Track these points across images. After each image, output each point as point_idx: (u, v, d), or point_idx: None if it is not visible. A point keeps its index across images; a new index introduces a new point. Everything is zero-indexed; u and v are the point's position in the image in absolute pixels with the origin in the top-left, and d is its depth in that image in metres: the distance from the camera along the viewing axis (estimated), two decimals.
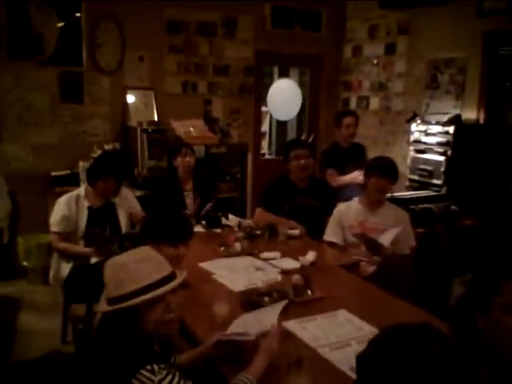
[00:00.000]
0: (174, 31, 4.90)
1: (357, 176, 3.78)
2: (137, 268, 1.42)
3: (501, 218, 3.77)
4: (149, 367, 1.30)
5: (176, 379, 1.32)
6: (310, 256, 2.38)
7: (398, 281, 2.83)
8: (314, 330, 1.94)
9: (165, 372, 1.31)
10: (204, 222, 3.41)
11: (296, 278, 2.29)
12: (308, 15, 5.62)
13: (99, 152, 4.28)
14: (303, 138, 6.09)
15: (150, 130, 4.43)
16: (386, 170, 3.02)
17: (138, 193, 4.04)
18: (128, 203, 3.34)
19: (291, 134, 6.66)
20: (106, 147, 4.48)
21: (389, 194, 3.65)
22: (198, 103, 5.10)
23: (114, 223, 3.18)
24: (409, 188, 4.35)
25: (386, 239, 2.83)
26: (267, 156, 6.42)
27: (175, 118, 4.78)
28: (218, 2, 5.00)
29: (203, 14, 5.00)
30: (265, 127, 6.50)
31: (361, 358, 0.95)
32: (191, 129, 4.72)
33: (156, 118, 4.75)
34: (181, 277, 1.51)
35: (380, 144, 5.30)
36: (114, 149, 4.47)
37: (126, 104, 4.71)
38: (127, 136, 4.64)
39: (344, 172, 4.07)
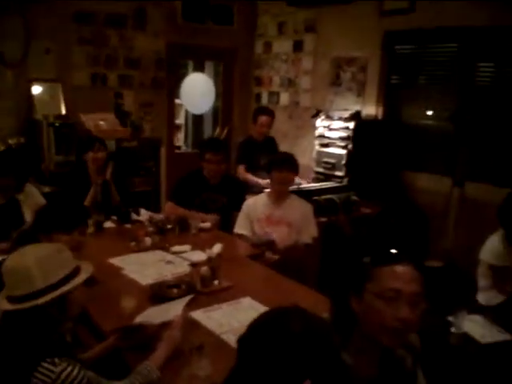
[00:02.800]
0: (83, 22, 4.79)
1: (264, 183, 3.97)
2: (40, 266, 1.46)
3: (394, 206, 4.13)
4: (49, 360, 1.36)
5: (76, 370, 1.39)
6: (217, 248, 2.50)
7: (301, 268, 3.05)
8: (218, 318, 2.07)
9: (65, 364, 1.38)
10: (115, 218, 3.42)
11: (203, 269, 2.40)
12: (220, 9, 5.70)
13: (3, 148, 4.11)
14: (217, 131, 6.21)
15: (57, 124, 4.32)
16: (284, 163, 3.23)
17: (46, 189, 3.95)
18: (33, 200, 3.26)
19: (207, 127, 6.75)
20: (11, 142, 4.30)
21: (295, 186, 3.89)
22: (108, 96, 5.03)
23: (19, 221, 3.10)
24: (315, 180, 4.62)
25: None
26: (183, 149, 6.46)
27: (85, 111, 4.68)
28: None
29: (112, 5, 4.92)
30: (180, 120, 6.53)
31: (239, 340, 1.07)
32: (101, 122, 4.65)
33: (64, 112, 4.63)
34: (87, 271, 1.58)
35: (290, 138, 5.52)
36: (19, 143, 4.30)
37: (30, 97, 4.54)
38: (33, 130, 4.48)
39: (258, 164, 4.29)
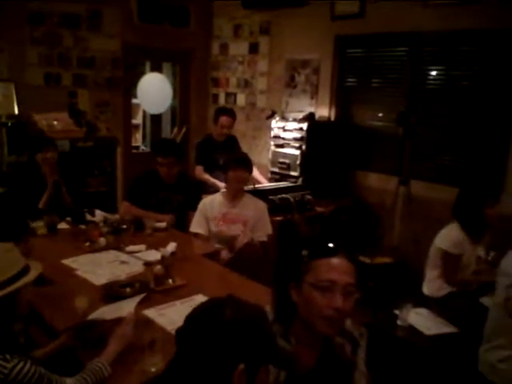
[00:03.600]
0: (36, 23, 4.72)
1: (222, 186, 4.04)
2: None
3: (346, 204, 4.28)
4: (1, 356, 1.38)
5: (28, 365, 1.41)
6: (170, 247, 2.54)
7: (255, 264, 3.13)
8: (171, 315, 2.11)
9: (16, 359, 1.40)
10: (69, 219, 3.40)
11: (157, 268, 2.45)
12: (176, 10, 5.72)
13: None
14: (175, 131, 6.22)
15: (9, 124, 4.24)
16: (239, 162, 3.33)
17: None
18: None
19: (166, 127, 6.72)
20: None
21: (251, 186, 3.98)
22: (62, 96, 4.96)
23: None
24: (270, 180, 4.71)
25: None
26: (142, 149, 6.43)
27: (38, 111, 4.61)
28: None
29: (67, 6, 4.87)
30: (138, 120, 6.50)
31: (177, 332, 1.12)
32: (55, 122, 4.59)
33: (17, 111, 4.55)
34: (36, 269, 1.60)
35: (247, 138, 5.60)
36: None
37: None
38: None
39: (217, 164, 4.29)
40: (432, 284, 3.02)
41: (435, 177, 4.05)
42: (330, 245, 1.45)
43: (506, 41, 3.74)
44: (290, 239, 3.72)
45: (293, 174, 4.55)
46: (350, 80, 4.85)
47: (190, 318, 1.11)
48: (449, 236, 2.91)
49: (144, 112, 6.46)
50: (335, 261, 1.41)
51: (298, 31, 5.06)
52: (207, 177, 4.44)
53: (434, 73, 4.26)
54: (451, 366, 2.53)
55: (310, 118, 4.61)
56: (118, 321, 1.86)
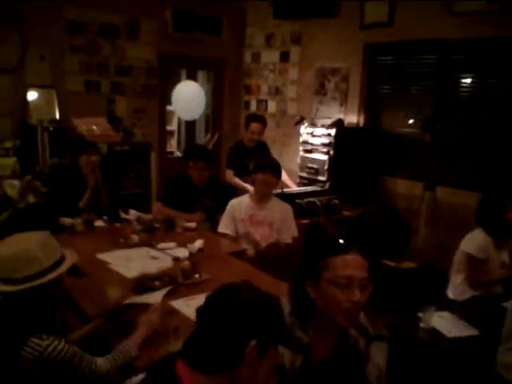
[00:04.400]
0: (76, 31, 4.99)
1: (251, 189, 4.18)
2: (43, 248, 1.63)
3: (373, 208, 4.32)
4: (37, 335, 1.53)
5: (62, 343, 1.55)
6: (198, 244, 2.67)
7: (280, 264, 3.22)
8: (196, 306, 2.22)
9: (52, 338, 1.55)
10: (105, 218, 3.58)
11: (185, 263, 2.58)
12: (209, 20, 5.91)
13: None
14: (208, 137, 6.40)
15: (50, 128, 4.50)
16: (268, 167, 3.44)
17: (43, 189, 4.10)
18: None
19: (200, 133, 6.93)
20: (7, 145, 4.48)
21: (279, 190, 4.09)
22: (100, 102, 5.21)
23: None
24: (299, 184, 4.81)
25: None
26: (176, 154, 6.63)
27: (78, 116, 4.86)
28: (120, 4, 5.15)
29: (106, 17, 5.13)
30: (173, 126, 6.71)
31: (198, 311, 1.25)
32: (94, 127, 4.83)
33: (58, 117, 4.81)
34: (72, 256, 1.76)
35: (277, 144, 5.72)
36: (15, 146, 4.47)
37: (26, 102, 4.73)
38: (28, 134, 4.65)
39: (248, 169, 4.41)
40: (456, 288, 3.05)
41: (460, 183, 4.08)
42: (343, 242, 1.53)
43: None
44: (313, 239, 3.79)
45: (320, 178, 4.64)
46: (378, 87, 4.92)
47: (210, 298, 1.24)
48: (474, 240, 2.94)
49: (179, 119, 6.68)
50: (350, 257, 1.49)
51: (328, 40, 5.17)
52: (237, 181, 4.56)
53: (461, 80, 4.29)
54: (471, 368, 2.56)
55: (338, 124, 4.69)
56: (146, 308, 2.00)
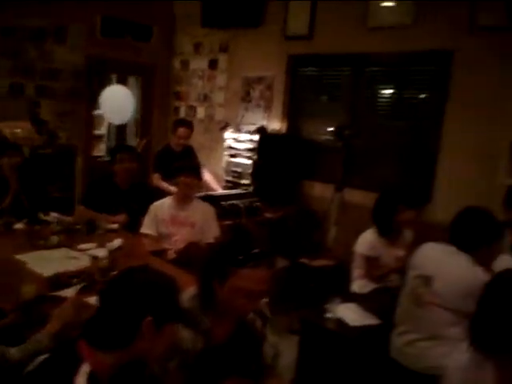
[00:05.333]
0: (2, 35, 4.93)
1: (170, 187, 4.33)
2: None
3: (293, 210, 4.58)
4: None
5: None
6: (117, 242, 2.77)
7: (199, 262, 3.36)
8: None
9: None
10: (25, 220, 3.58)
11: (102, 261, 2.67)
12: (139, 27, 5.99)
13: None
14: (137, 141, 6.45)
15: None
16: (189, 169, 3.59)
17: None
18: None
19: (130, 138, 6.92)
20: None
21: (203, 193, 4.24)
22: (24, 105, 5.15)
23: None
24: (224, 187, 4.99)
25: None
26: (105, 159, 6.59)
27: (1, 119, 4.79)
28: (48, 9, 5.13)
29: (33, 20, 5.09)
30: (102, 130, 6.69)
31: (100, 292, 1.39)
32: (17, 130, 4.77)
33: None
34: None
35: (206, 149, 5.86)
36: None
37: None
38: None
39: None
40: (357, 283, 3.33)
41: (368, 186, 4.42)
42: (256, 256, 1.67)
43: (438, 62, 4.14)
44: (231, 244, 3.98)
45: (244, 182, 4.85)
46: (300, 96, 5.19)
47: (111, 280, 1.38)
48: (364, 240, 3.24)
49: (109, 123, 6.66)
50: (257, 272, 1.65)
51: (254, 50, 5.41)
52: (164, 184, 4.67)
53: (375, 91, 4.63)
54: (372, 354, 2.81)
55: (261, 130, 4.93)
56: (61, 303, 2.09)
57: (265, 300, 1.90)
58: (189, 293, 1.83)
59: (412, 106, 4.35)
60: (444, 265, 2.43)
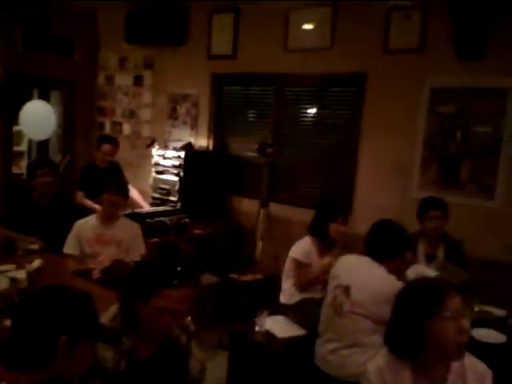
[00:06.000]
0: None
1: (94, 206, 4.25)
2: None
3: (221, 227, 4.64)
4: None
5: None
6: (36, 263, 2.68)
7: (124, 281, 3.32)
8: None
9: None
10: None
11: (22, 283, 2.58)
12: (61, 41, 5.85)
13: None
14: (59, 158, 6.24)
15: None
16: (114, 187, 3.54)
17: None
18: None
19: (53, 155, 6.68)
20: None
21: (130, 210, 4.19)
22: None
23: None
24: (152, 204, 4.95)
25: None
26: (26, 176, 6.32)
27: None
28: None
29: None
30: (23, 147, 6.41)
31: (14, 310, 1.36)
32: None
33: None
34: None
35: (133, 166, 5.79)
36: None
37: None
38: None
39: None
40: (286, 293, 3.43)
41: (293, 201, 4.59)
42: (177, 277, 1.72)
43: (354, 83, 4.39)
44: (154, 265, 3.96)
45: (172, 199, 4.84)
46: (226, 113, 5.28)
47: (25, 298, 1.36)
48: (300, 246, 3.40)
49: (30, 139, 6.40)
50: (179, 292, 1.69)
51: (179, 67, 5.45)
52: (88, 202, 4.56)
53: (295, 110, 4.81)
54: (299, 364, 2.90)
55: (187, 147, 4.96)
56: None
57: (189, 317, 1.93)
58: (111, 311, 1.83)
59: (333, 125, 4.57)
60: (361, 274, 2.59)
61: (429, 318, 1.58)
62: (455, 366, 1.64)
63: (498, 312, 3.00)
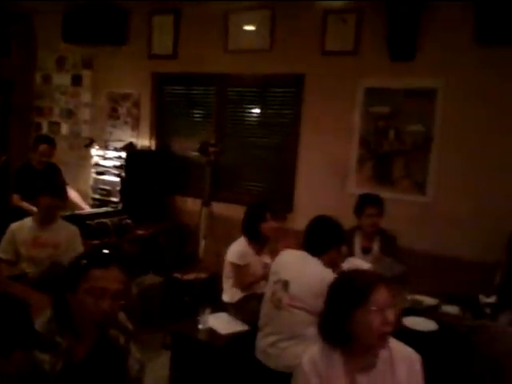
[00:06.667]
0: None
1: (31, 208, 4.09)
2: None
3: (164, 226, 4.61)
4: None
5: None
6: None
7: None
8: None
9: None
10: None
11: None
12: None
13: None
14: None
15: None
16: (50, 189, 3.47)
17: None
18: None
19: None
20: None
21: (68, 213, 4.10)
22: None
23: None
24: (92, 206, 4.85)
25: None
26: None
27: None
28: None
29: None
30: None
31: None
32: None
33: None
34: None
35: (72, 167, 5.63)
36: None
37: None
38: None
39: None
40: (228, 292, 3.47)
41: (235, 199, 4.64)
42: (104, 256, 1.72)
43: (293, 84, 4.49)
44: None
45: (113, 199, 4.77)
46: (168, 113, 5.25)
47: None
48: (234, 249, 3.42)
49: None
50: (108, 271, 1.68)
51: (119, 66, 5.38)
52: (25, 204, 4.39)
53: (237, 110, 4.86)
54: (242, 359, 2.94)
55: (128, 147, 4.90)
56: None
57: (124, 315, 1.92)
58: (45, 315, 1.80)
59: (275, 125, 4.65)
60: (298, 269, 2.66)
61: (355, 308, 1.65)
62: (384, 352, 1.73)
63: (430, 301, 3.15)
